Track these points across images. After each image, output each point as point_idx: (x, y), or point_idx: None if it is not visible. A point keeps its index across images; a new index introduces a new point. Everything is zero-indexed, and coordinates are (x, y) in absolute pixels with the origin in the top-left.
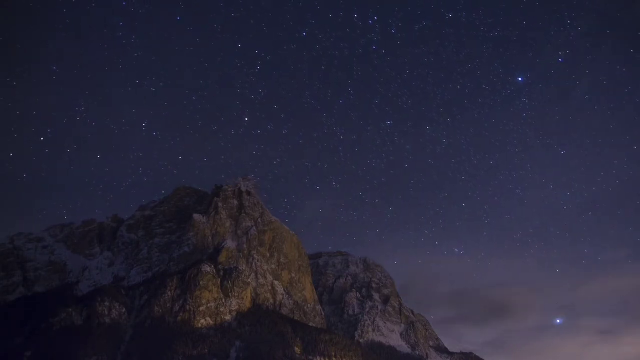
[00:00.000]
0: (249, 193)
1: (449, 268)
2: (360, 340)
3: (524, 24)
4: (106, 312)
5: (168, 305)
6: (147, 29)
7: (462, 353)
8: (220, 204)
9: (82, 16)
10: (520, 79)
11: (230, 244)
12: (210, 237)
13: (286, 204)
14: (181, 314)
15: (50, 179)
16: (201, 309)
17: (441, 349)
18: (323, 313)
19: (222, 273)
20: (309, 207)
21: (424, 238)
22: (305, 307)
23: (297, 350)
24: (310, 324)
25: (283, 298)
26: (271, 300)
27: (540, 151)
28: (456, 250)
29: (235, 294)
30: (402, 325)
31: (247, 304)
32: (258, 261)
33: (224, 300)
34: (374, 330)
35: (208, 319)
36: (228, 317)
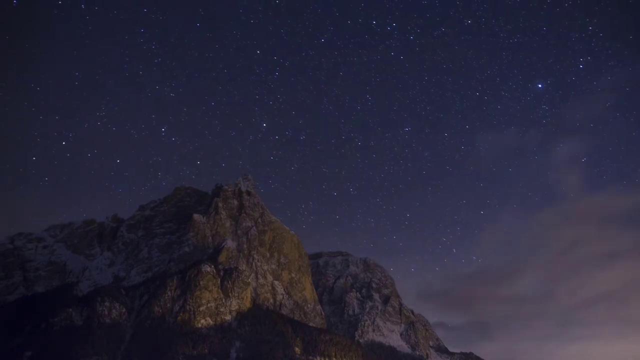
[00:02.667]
0: (249, 193)
1: (466, 276)
2: (360, 340)
3: (544, 30)
4: (106, 312)
5: (168, 305)
6: (167, 35)
7: (462, 353)
8: (220, 204)
9: (103, 23)
10: (540, 86)
11: (230, 244)
12: (210, 237)
13: (303, 209)
14: (181, 314)
15: (70, 183)
16: (201, 309)
17: (441, 349)
18: (323, 313)
19: (222, 273)
20: (326, 213)
21: (442, 245)
22: (305, 307)
23: (297, 350)
24: (310, 324)
25: (283, 298)
26: (271, 300)
27: (560, 159)
28: (474, 258)
29: (235, 294)
30: (402, 325)
31: (247, 304)
32: (258, 261)
33: (224, 300)
34: (374, 330)
35: (208, 319)
36: (228, 317)
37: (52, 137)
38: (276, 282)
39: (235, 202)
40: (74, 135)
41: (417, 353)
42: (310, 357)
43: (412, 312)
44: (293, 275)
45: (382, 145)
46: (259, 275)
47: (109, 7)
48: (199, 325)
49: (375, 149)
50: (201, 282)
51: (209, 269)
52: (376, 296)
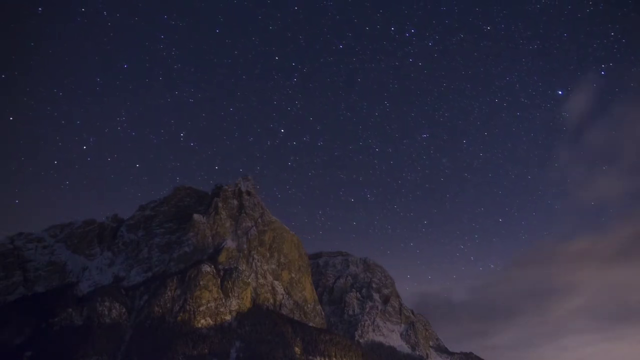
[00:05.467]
0: (248, 193)
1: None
2: (360, 340)
3: (564, 36)
4: (106, 312)
5: (168, 305)
6: (187, 41)
7: (462, 353)
8: (220, 204)
9: (124, 30)
10: (560, 92)
11: (230, 244)
12: (210, 237)
13: (320, 215)
14: (181, 314)
15: (90, 187)
16: (201, 309)
17: (441, 349)
18: (323, 313)
19: (222, 273)
20: (343, 219)
21: (459, 253)
22: (305, 307)
23: (297, 350)
24: (310, 324)
25: (283, 298)
26: (271, 300)
27: (580, 166)
28: (492, 266)
29: (235, 294)
30: (402, 325)
31: (247, 304)
32: (258, 261)
33: (224, 300)
34: (373, 330)
35: (208, 319)
36: (228, 317)
37: (73, 142)
38: (276, 282)
39: (235, 202)
40: (95, 140)
41: (417, 353)
42: (310, 357)
43: (412, 312)
44: (293, 275)
45: (399, 151)
46: (259, 275)
47: (130, 13)
48: (199, 325)
49: (393, 156)
50: (201, 282)
51: (209, 269)
52: (376, 296)
